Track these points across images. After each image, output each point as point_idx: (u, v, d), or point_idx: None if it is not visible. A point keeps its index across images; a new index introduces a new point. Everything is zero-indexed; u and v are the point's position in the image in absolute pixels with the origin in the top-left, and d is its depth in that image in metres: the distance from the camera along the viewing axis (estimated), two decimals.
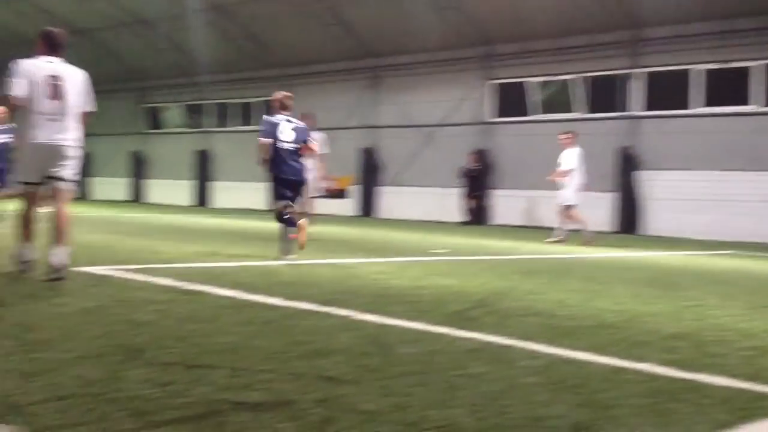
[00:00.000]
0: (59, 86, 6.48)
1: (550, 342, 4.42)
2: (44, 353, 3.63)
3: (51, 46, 6.64)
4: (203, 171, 32.34)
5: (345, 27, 25.65)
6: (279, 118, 9.20)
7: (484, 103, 24.27)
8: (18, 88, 6.28)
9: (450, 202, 24.15)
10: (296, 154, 9.13)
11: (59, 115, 6.47)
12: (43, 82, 6.40)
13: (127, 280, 6.40)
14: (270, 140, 8.96)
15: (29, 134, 6.39)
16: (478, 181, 23.57)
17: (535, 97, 23.16)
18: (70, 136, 6.58)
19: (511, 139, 23.48)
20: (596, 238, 14.75)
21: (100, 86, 30.29)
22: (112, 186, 35.73)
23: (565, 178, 14.87)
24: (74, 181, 6.70)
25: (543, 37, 22.38)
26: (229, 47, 29.12)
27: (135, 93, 35.20)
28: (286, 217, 8.88)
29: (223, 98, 32.06)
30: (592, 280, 8.01)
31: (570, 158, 14.86)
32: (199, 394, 3.06)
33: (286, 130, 9.09)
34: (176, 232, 13.39)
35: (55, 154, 6.46)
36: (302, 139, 9.23)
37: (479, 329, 4.75)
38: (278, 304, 5.42)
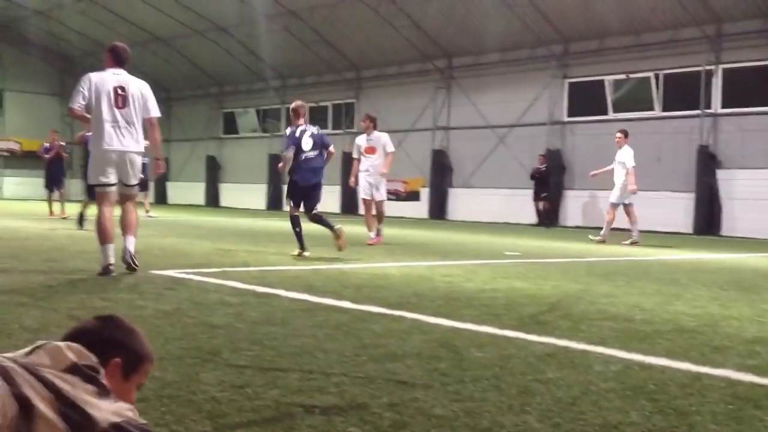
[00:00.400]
0: (125, 96, 7.02)
1: (626, 347, 4.33)
2: None
3: (117, 60, 7.21)
4: (276, 175, 32.75)
5: (417, 28, 25.66)
6: (299, 129, 9.82)
7: (558, 102, 23.94)
8: (78, 99, 6.92)
9: (522, 204, 23.92)
10: (315, 160, 9.86)
11: (125, 123, 7.01)
12: (111, 92, 6.97)
13: (202, 283, 6.53)
14: (293, 152, 9.71)
15: (99, 141, 6.98)
16: (545, 182, 23.30)
17: (610, 95, 22.74)
18: (135, 142, 7.11)
19: (585, 138, 23.12)
20: (609, 239, 14.68)
21: (179, 92, 31.33)
22: (189, 190, 36.53)
23: (618, 178, 14.81)
24: (139, 184, 7.42)
25: (619, 33, 21.98)
26: (302, 51, 29.45)
27: (212, 99, 35.94)
28: (295, 214, 9.88)
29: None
30: (669, 283, 7.82)
31: (628, 158, 14.75)
32: (272, 396, 3.09)
33: (306, 139, 9.76)
34: (249, 236, 13.61)
35: (122, 159, 7.03)
36: (320, 144, 9.93)
37: (553, 333, 4.68)
38: (349, 307, 5.45)
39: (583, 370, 3.77)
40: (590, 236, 15.20)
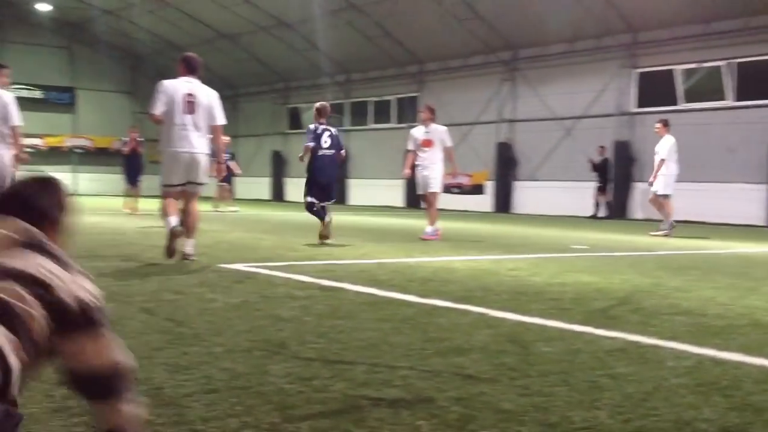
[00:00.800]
0: (194, 103, 7.57)
1: (699, 342, 4.23)
2: (194, 347, 3.80)
3: (188, 69, 7.77)
4: (343, 169, 32.97)
5: (481, 20, 25.45)
6: (321, 127, 10.67)
7: (626, 93, 23.49)
8: (158, 106, 7.50)
9: (588, 197, 23.57)
10: (331, 158, 10.66)
11: (193, 128, 7.57)
12: (182, 99, 7.53)
13: (269, 277, 6.61)
14: (313, 144, 10.49)
15: (169, 144, 7.58)
16: (605, 174, 22.94)
17: (681, 85, 22.21)
18: (201, 145, 7.67)
19: (652, 129, 22.61)
20: (675, 231, 14.35)
21: (245, 89, 31.72)
22: (255, 185, 37.03)
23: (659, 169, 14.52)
24: (204, 184, 7.85)
25: (689, 22, 21.44)
26: (365, 46, 29.54)
27: (277, 94, 36.34)
28: (315, 210, 10.51)
29: (360, 96, 32.57)
30: (743, 277, 7.61)
31: (662, 149, 14.47)
32: (339, 389, 3.11)
33: (325, 138, 10.61)
34: (314, 230, 13.71)
35: (189, 161, 7.60)
36: (337, 145, 10.75)
37: (623, 328, 4.60)
38: (414, 300, 5.45)
39: (655, 365, 3.69)
40: (650, 233, 14.83)
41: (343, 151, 11.02)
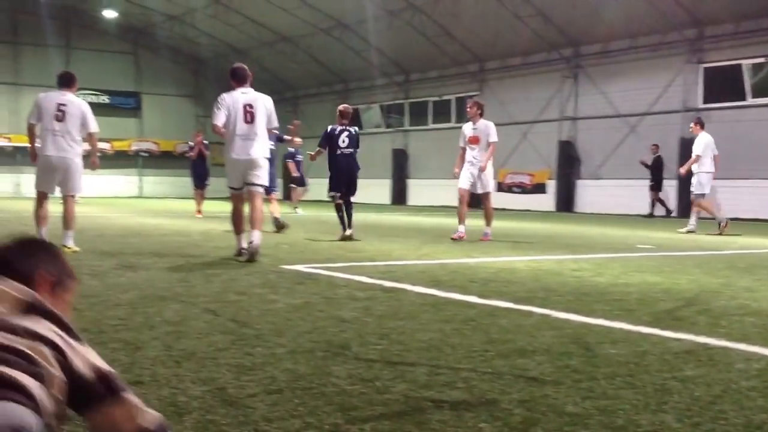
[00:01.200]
0: (253, 113, 8.17)
1: None
2: (257, 348, 3.83)
3: (240, 80, 8.34)
4: (401, 169, 33.00)
5: (542, 17, 25.20)
6: (339, 128, 11.58)
7: (693, 88, 22.97)
8: (220, 117, 8.13)
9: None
10: (351, 156, 11.60)
11: (252, 135, 8.18)
12: (241, 109, 8.14)
13: (330, 278, 6.65)
14: (324, 146, 11.59)
15: (231, 151, 8.22)
16: (659, 173, 22.56)
17: (749, 80, 21.62)
18: (260, 150, 8.27)
19: (722, 126, 22.07)
20: (729, 226, 14.16)
21: (305, 90, 31.98)
22: (316, 186, 37.27)
23: (694, 167, 14.48)
24: (263, 185, 8.48)
25: (757, 15, 20.86)
26: (425, 46, 29.51)
27: (336, 95, 36.53)
28: (339, 202, 11.48)
29: (420, 96, 32.54)
30: None
31: (697, 146, 14.37)
32: (401, 391, 3.11)
33: (343, 138, 11.49)
34: (375, 230, 13.75)
35: (249, 165, 8.23)
36: (355, 143, 11.65)
37: (690, 329, 4.49)
38: (476, 301, 5.41)
39: (724, 367, 3.60)
40: (707, 233, 14.42)
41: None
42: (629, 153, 24.22)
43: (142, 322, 4.46)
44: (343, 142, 11.52)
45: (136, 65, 39.86)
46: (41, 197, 8.85)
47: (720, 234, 13.80)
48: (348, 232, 11.32)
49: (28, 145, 8.91)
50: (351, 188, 11.77)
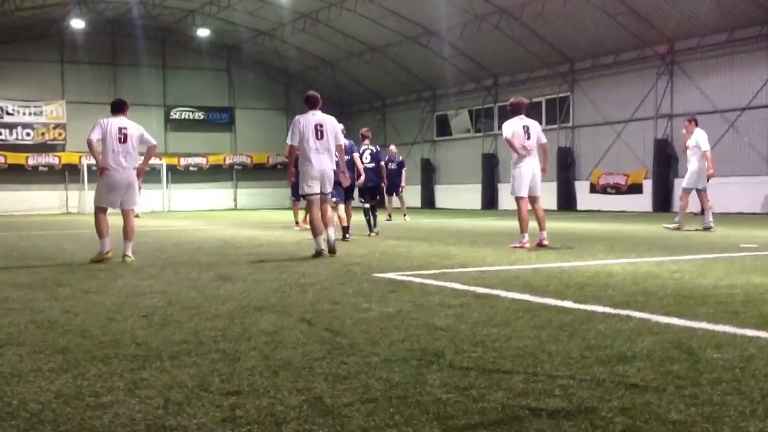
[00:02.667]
0: (323, 131, 9.78)
1: None
2: (352, 357, 3.86)
3: (312, 105, 9.92)
4: (491, 174, 32.75)
5: (634, 14, 24.62)
6: (362, 148, 14.41)
7: None
8: (294, 137, 9.76)
9: (756, 192, 22.24)
10: (374, 170, 14.41)
11: (323, 150, 9.79)
12: (312, 129, 9.73)
13: (423, 285, 6.63)
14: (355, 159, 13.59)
15: (306, 163, 9.78)
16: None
17: None
18: (329, 163, 9.88)
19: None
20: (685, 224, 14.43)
21: (393, 98, 32.22)
22: (406, 193, 37.36)
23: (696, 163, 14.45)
24: (330, 193, 10.15)
25: None
26: (514, 48, 29.26)
27: (425, 102, 36.60)
28: (366, 207, 14.35)
29: (508, 100, 32.26)
30: None
31: (703, 143, 14.41)
32: (497, 399, 3.07)
33: (366, 155, 14.36)
34: (466, 236, 13.67)
35: (322, 176, 9.83)
36: (376, 159, 14.56)
37: None
38: (572, 307, 5.31)
39: None
40: (664, 225, 14.92)
41: (382, 162, 14.89)
42: (730, 149, 23.36)
43: (240, 332, 4.55)
44: (366, 158, 14.30)
45: (228, 81, 40.88)
46: (103, 211, 9.79)
47: (677, 229, 14.08)
48: (373, 233, 13.97)
49: (91, 161, 9.78)
50: (373, 195, 14.56)
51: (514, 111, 10.90)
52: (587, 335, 4.31)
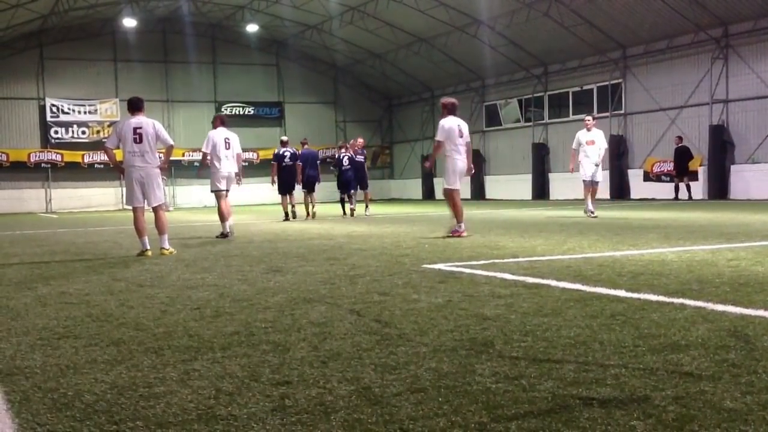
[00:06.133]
0: (461, 131, 11.62)
1: None
2: (401, 347, 3.86)
3: (453, 110, 11.67)
4: (541, 164, 32.43)
5: None
6: (341, 153, 20.34)
7: None
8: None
9: None
10: (352, 170, 20.40)
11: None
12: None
13: (472, 276, 6.60)
14: (337, 168, 20.65)
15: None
16: (683, 161, 21.38)
17: None
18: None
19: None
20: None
21: (442, 90, 32.38)
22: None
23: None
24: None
25: None
26: (564, 36, 28.89)
27: (474, 92, 36.37)
28: (344, 197, 20.76)
29: (559, 88, 31.89)
30: None
31: (603, 139, 16.27)
32: (547, 388, 3.04)
33: (345, 160, 20.33)
34: (516, 227, 13.57)
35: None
36: (353, 163, 20.28)
37: None
38: (624, 296, 5.23)
39: None
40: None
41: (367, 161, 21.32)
42: None
43: (290, 324, 4.59)
44: (345, 163, 20.27)
45: (277, 76, 41.14)
46: (137, 210, 10.09)
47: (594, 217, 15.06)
48: (348, 212, 20.07)
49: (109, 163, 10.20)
50: (349, 188, 20.27)
51: (449, 111, 11.81)
52: (640, 324, 4.24)
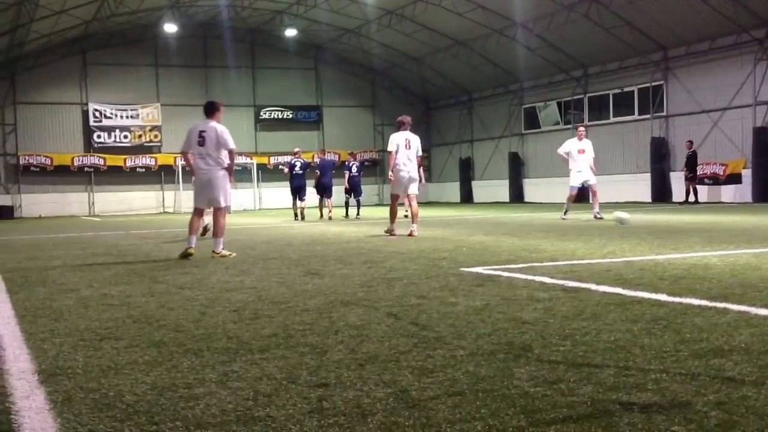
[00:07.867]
0: (408, 145, 13.08)
1: None
2: (438, 350, 3.84)
3: (401, 126, 13.23)
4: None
5: None
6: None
7: None
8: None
9: None
10: (355, 178, 22.88)
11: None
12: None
13: (510, 279, 6.56)
14: (347, 174, 22.79)
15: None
16: (694, 165, 21.09)
17: None
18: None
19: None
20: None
21: (480, 93, 32.14)
22: (494, 188, 37.09)
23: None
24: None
25: None
26: (603, 37, 28.63)
27: (512, 95, 36.20)
28: (347, 198, 23.06)
29: (599, 90, 31.59)
30: None
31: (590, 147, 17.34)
32: (586, 393, 3.01)
33: (353, 170, 22.55)
34: (555, 230, 13.46)
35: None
36: (353, 172, 22.77)
37: None
38: (665, 300, 5.16)
39: None
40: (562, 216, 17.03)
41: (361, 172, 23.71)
42: None
43: (328, 326, 4.60)
44: (353, 170, 23.25)
45: (315, 80, 41.34)
46: (198, 212, 10.55)
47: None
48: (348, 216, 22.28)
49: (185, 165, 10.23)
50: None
51: (398, 127, 13.42)
52: (682, 329, 4.18)
